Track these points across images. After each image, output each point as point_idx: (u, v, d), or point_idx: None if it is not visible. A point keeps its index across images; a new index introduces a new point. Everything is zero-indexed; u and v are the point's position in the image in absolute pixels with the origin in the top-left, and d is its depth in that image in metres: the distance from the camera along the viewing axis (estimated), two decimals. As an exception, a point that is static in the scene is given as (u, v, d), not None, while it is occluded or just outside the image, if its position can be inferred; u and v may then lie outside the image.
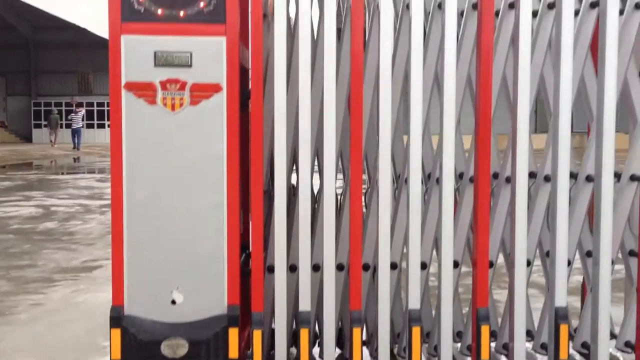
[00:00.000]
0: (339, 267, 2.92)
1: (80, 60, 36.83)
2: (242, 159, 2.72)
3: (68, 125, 29.66)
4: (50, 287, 5.29)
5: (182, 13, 2.56)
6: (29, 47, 37.52)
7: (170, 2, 2.56)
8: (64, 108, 36.74)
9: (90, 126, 38.02)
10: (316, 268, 2.86)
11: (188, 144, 2.61)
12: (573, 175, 2.95)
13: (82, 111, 28.66)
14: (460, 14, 2.88)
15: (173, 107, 2.58)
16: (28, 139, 38.30)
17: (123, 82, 2.56)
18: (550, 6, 2.86)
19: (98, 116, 38.18)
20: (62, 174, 17.31)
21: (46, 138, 34.10)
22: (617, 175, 2.89)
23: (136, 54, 2.56)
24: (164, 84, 2.57)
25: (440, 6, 2.82)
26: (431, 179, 3.01)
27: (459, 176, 3.03)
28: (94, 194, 11.73)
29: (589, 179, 2.91)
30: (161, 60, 2.55)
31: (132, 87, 2.57)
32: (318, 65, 2.80)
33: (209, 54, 2.56)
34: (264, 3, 2.73)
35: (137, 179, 2.62)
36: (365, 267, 2.94)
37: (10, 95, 39.34)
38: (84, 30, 30.87)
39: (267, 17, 2.78)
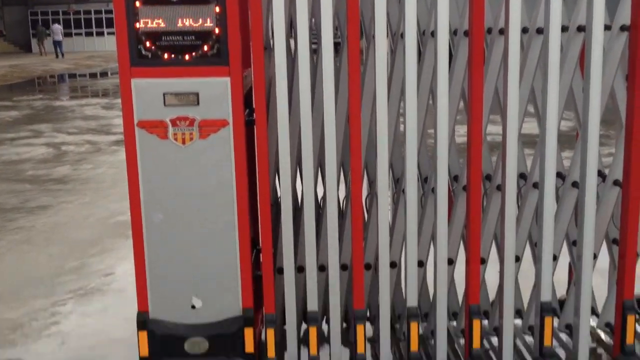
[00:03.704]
0: (343, 267, 3.19)
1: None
2: (251, 181, 2.93)
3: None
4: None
5: (187, 57, 2.71)
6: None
7: (175, 46, 2.70)
8: (61, 17, 36.24)
9: (89, 34, 37.64)
10: (322, 269, 3.13)
11: (199, 172, 2.81)
12: (561, 177, 3.16)
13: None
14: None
15: (183, 141, 2.77)
16: (27, 48, 37.99)
17: (136, 121, 2.74)
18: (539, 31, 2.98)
19: (96, 24, 37.69)
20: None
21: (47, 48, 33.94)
22: (603, 176, 3.11)
23: (146, 96, 2.73)
24: (174, 121, 2.75)
25: (432, 34, 2.92)
26: (427, 183, 3.22)
27: (454, 179, 3.23)
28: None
29: (574, 184, 3.12)
30: (170, 100, 2.72)
31: (145, 124, 2.75)
32: (319, 82, 2.95)
33: (215, 94, 2.73)
34: (265, 36, 2.85)
35: (154, 205, 2.85)
36: (367, 267, 3.20)
37: (6, 5, 38.67)
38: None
39: (267, 49, 2.90)
